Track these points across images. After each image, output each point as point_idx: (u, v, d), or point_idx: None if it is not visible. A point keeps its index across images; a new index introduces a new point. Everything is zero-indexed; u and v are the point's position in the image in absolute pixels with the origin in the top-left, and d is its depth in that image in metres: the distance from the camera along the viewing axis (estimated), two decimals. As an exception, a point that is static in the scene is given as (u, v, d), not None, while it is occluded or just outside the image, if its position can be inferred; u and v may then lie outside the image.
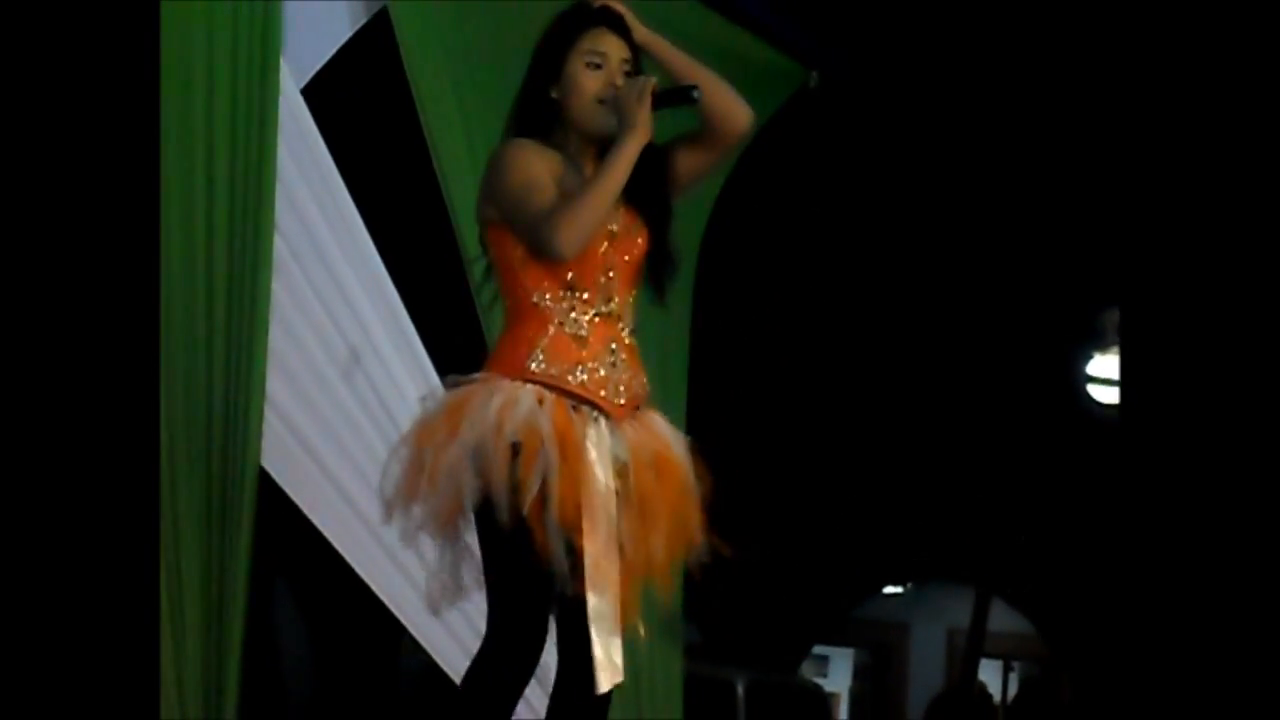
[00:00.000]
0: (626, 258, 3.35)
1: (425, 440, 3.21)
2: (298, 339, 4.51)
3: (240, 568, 4.26)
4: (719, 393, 6.33)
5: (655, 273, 3.41)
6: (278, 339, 4.42)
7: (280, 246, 4.44)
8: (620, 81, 3.31)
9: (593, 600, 3.19)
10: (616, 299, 3.32)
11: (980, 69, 6.46)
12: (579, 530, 3.16)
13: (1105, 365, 9.02)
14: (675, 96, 3.29)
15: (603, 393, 3.27)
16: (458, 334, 4.75)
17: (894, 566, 11.89)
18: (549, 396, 3.22)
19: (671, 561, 3.33)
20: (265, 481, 4.39)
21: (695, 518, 3.33)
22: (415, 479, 3.21)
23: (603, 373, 3.28)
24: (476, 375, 3.26)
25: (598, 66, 3.32)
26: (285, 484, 4.49)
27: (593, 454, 3.22)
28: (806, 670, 12.02)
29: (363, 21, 4.84)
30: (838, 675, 13.90)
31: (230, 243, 4.35)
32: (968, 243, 7.16)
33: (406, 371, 4.66)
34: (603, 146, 3.31)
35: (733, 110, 3.42)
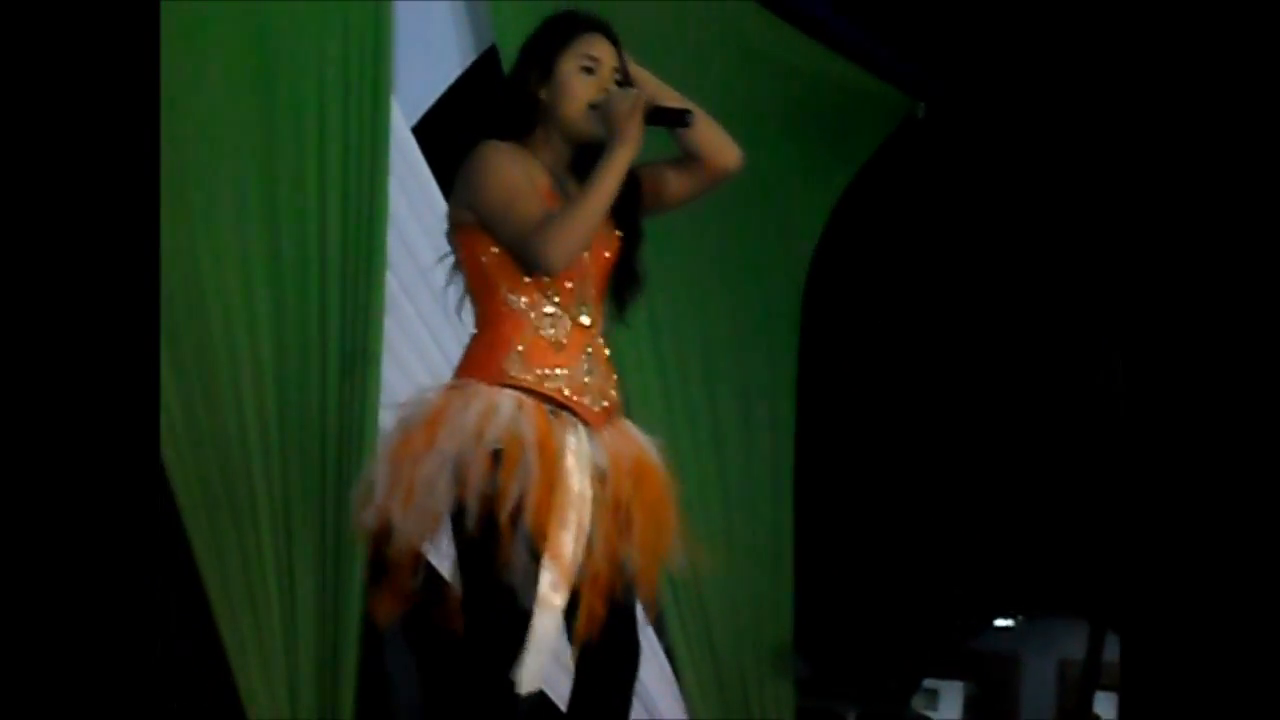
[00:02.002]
0: (599, 265, 3.28)
1: (404, 451, 3.12)
2: (411, 375, 4.54)
3: (355, 606, 4.29)
4: (829, 425, 6.30)
5: (619, 289, 3.34)
6: (391, 375, 4.45)
7: (392, 283, 4.48)
8: (612, 88, 3.25)
9: (540, 603, 3.07)
10: (591, 304, 3.25)
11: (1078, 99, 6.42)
12: (545, 538, 3.08)
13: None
14: (669, 116, 3.23)
15: (582, 399, 3.21)
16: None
17: (1005, 599, 11.75)
18: (528, 401, 3.14)
19: (650, 569, 3.27)
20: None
21: (673, 525, 3.26)
22: (393, 490, 3.10)
23: (581, 379, 3.21)
24: (449, 383, 3.19)
25: (590, 71, 3.26)
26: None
27: (571, 461, 3.15)
28: (917, 703, 11.91)
29: (472, 59, 4.88)
30: (948, 708, 13.76)
31: (343, 281, 4.39)
32: (1076, 281, 7.09)
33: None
34: (579, 151, 3.26)
35: (724, 147, 3.37)
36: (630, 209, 3.30)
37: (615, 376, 3.30)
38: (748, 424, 5.39)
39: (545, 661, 3.08)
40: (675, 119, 3.24)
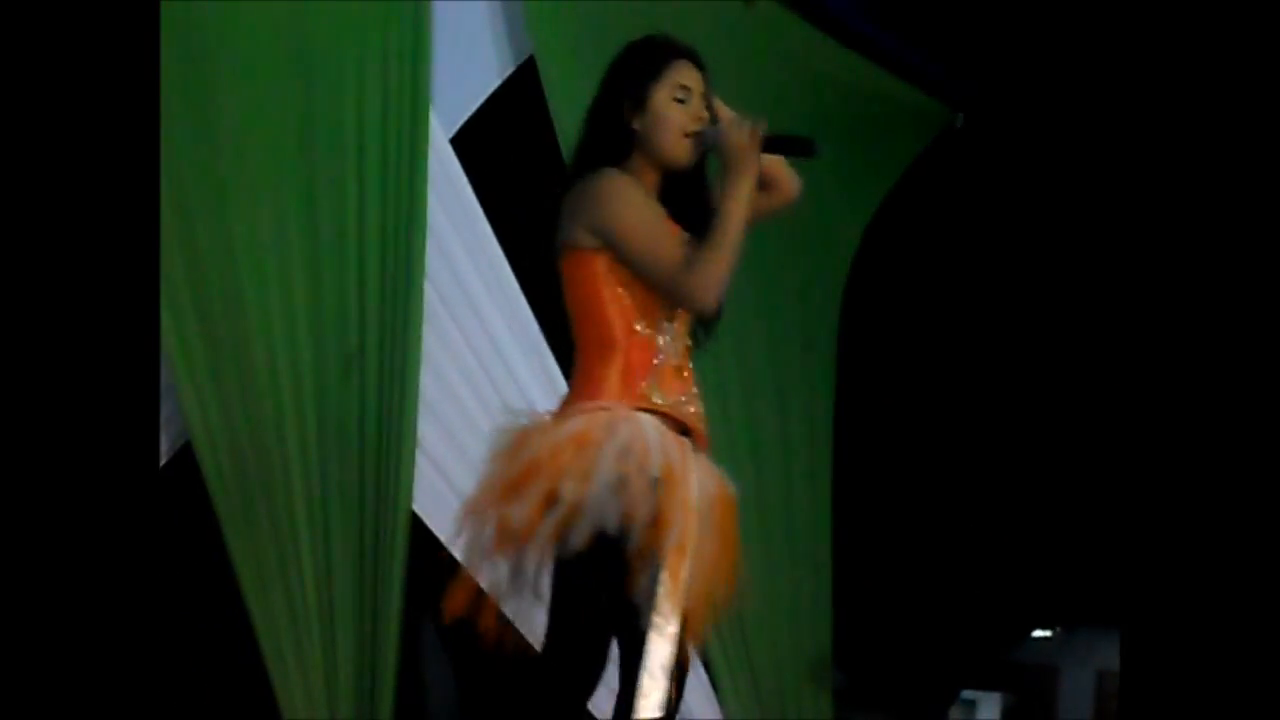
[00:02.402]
0: None
1: (559, 473, 3.11)
2: (448, 386, 4.56)
3: (393, 611, 4.31)
4: (867, 437, 6.29)
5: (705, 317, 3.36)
6: (429, 386, 4.47)
7: (431, 295, 4.50)
8: (704, 115, 3.29)
9: (655, 638, 3.10)
10: (689, 331, 3.32)
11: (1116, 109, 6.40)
12: (679, 569, 3.11)
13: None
14: (789, 145, 3.24)
15: (698, 424, 3.26)
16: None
17: (1042, 609, 11.70)
18: (665, 428, 3.18)
19: (722, 603, 3.30)
20: (417, 526, 4.44)
21: (738, 558, 3.30)
22: (547, 510, 3.10)
23: (694, 406, 3.27)
24: (588, 404, 3.20)
25: (683, 101, 3.29)
26: (437, 529, 4.53)
27: (694, 488, 3.17)
28: (955, 714, 11.87)
29: (510, 70, 4.89)
30: (986, 719, 13.72)
31: (382, 291, 4.41)
32: (1112, 290, 7.06)
33: (555, 417, 4.69)
34: (667, 175, 3.29)
35: (789, 177, 3.43)
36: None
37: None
38: (785, 437, 5.39)
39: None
40: (798, 148, 3.25)
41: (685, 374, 3.28)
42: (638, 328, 3.23)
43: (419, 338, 4.43)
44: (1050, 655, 13.11)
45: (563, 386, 4.71)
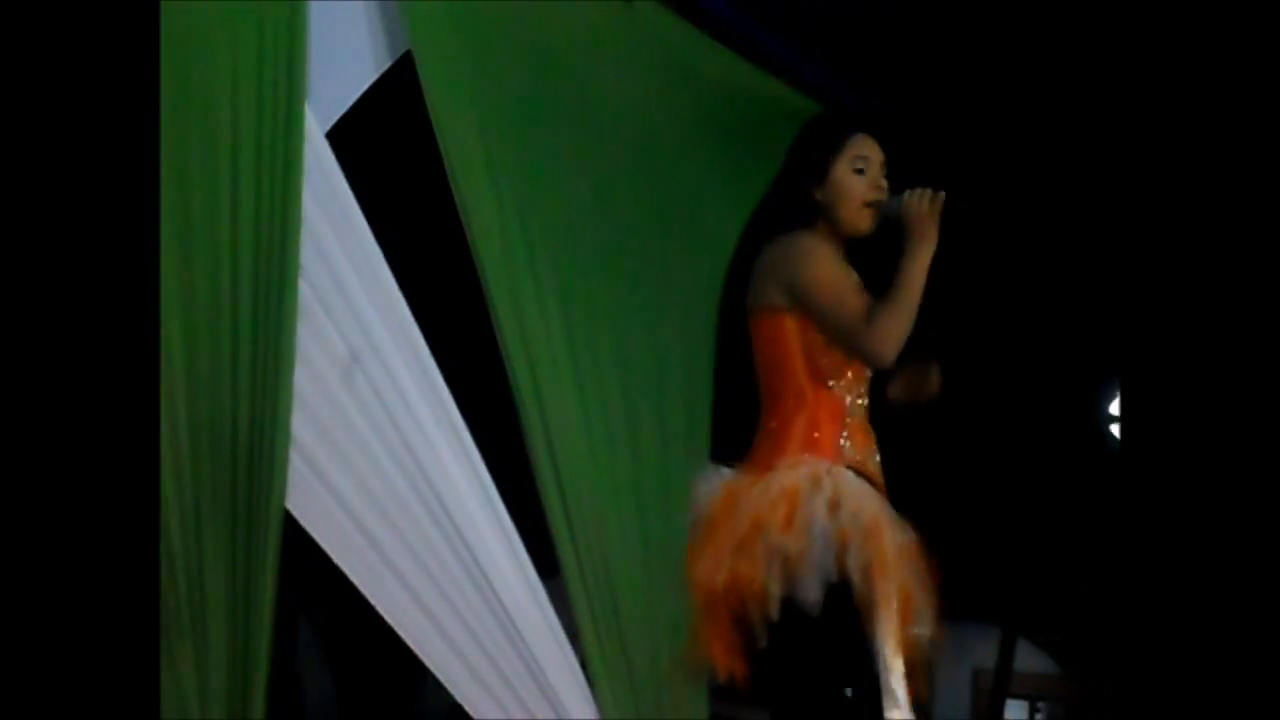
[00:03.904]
0: None
1: (765, 525, 3.33)
2: (321, 382, 4.52)
3: (265, 610, 4.27)
4: (744, 435, 6.32)
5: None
6: (302, 382, 4.43)
7: (305, 290, 4.46)
8: (883, 184, 3.53)
9: (887, 676, 3.35)
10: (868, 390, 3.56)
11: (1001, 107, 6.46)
12: (893, 610, 3.36)
13: (1129, 404, 8.98)
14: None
15: (880, 479, 3.51)
16: (481, 375, 4.76)
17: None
18: (862, 481, 3.43)
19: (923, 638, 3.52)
20: (289, 523, 4.40)
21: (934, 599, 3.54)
22: (764, 565, 3.32)
23: (877, 458, 3.52)
24: (791, 459, 3.42)
25: (861, 171, 3.53)
26: (309, 524, 4.50)
27: (890, 537, 3.41)
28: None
29: (387, 64, 4.86)
30: (862, 716, 13.81)
31: (256, 286, 4.37)
32: (991, 277, 7.15)
33: (431, 414, 4.67)
34: (849, 241, 3.55)
35: (934, 383, 3.74)
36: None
37: None
38: (665, 438, 5.40)
39: None
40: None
41: (869, 432, 3.52)
42: (830, 384, 3.48)
43: (293, 333, 4.39)
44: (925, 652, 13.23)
45: (438, 381, 4.71)
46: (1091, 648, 10.19)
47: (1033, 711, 12.92)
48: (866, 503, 3.38)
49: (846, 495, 3.36)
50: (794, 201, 3.57)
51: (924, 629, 3.50)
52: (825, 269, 3.46)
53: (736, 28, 5.64)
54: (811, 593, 3.27)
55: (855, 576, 3.30)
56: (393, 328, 4.67)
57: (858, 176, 3.54)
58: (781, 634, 3.33)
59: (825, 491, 3.35)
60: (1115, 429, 8.91)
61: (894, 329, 3.36)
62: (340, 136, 4.70)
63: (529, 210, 4.89)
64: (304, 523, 4.48)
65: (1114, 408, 8.89)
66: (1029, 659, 10.96)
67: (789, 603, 3.31)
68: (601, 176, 5.19)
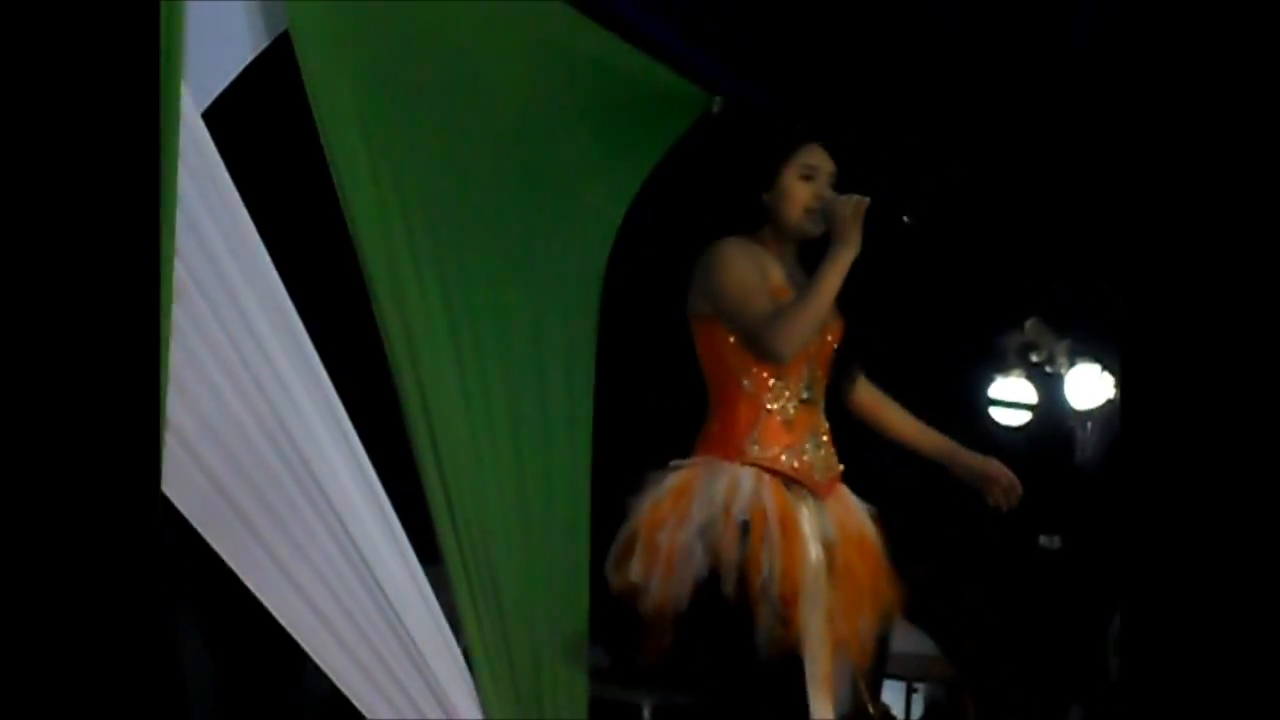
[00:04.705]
0: (824, 349, 3.66)
1: (657, 524, 3.46)
2: (198, 364, 4.48)
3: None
4: (626, 422, 6.33)
5: (839, 370, 3.74)
6: (178, 363, 4.39)
7: (181, 272, 4.42)
8: (827, 193, 3.61)
9: (809, 667, 3.44)
10: (815, 385, 3.64)
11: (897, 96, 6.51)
12: (795, 604, 3.42)
13: (1008, 388, 9.11)
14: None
15: (811, 472, 3.57)
16: (358, 357, 4.73)
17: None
18: (766, 477, 3.51)
19: (872, 634, 3.56)
20: (165, 507, 4.35)
21: (892, 592, 3.64)
22: (651, 562, 3.45)
23: (807, 455, 3.57)
24: (693, 459, 3.55)
25: (809, 179, 3.65)
26: (185, 509, 4.46)
27: (806, 530, 3.49)
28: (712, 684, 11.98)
29: (265, 44, 4.82)
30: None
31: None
32: (872, 258, 7.24)
33: (307, 395, 4.64)
34: (801, 243, 3.67)
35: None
36: (854, 297, 3.66)
37: (834, 448, 3.69)
38: (546, 422, 5.40)
39: None
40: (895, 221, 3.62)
41: (802, 426, 3.59)
42: (744, 386, 3.58)
43: (169, 314, 4.34)
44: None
45: (315, 361, 4.68)
46: (966, 629, 10.32)
47: (910, 693, 13.07)
48: (756, 498, 3.45)
49: (729, 491, 3.45)
50: (745, 204, 3.67)
51: (875, 620, 3.56)
52: (735, 274, 3.57)
53: (617, 11, 5.64)
54: (683, 592, 3.39)
55: (727, 573, 3.38)
56: (269, 309, 4.64)
57: (804, 183, 3.66)
58: (677, 627, 3.45)
59: (709, 489, 3.45)
60: (994, 412, 9.01)
61: (793, 328, 3.46)
62: (217, 116, 4.66)
63: (407, 188, 4.87)
64: (179, 505, 4.44)
65: (993, 391, 8.99)
66: (906, 640, 11.06)
67: (668, 598, 3.42)
68: (481, 153, 5.18)
